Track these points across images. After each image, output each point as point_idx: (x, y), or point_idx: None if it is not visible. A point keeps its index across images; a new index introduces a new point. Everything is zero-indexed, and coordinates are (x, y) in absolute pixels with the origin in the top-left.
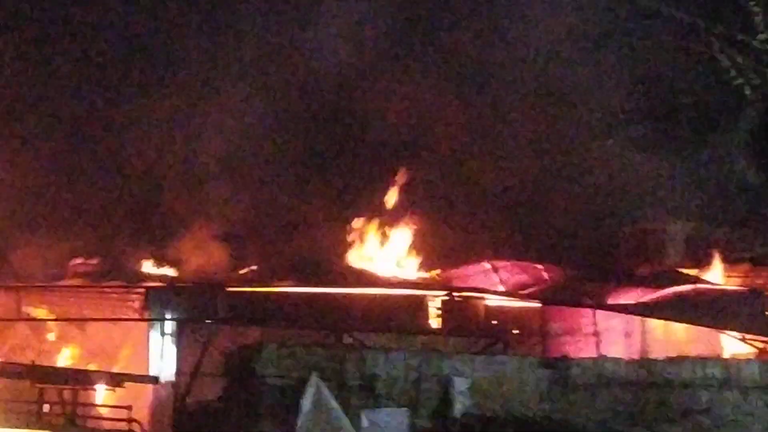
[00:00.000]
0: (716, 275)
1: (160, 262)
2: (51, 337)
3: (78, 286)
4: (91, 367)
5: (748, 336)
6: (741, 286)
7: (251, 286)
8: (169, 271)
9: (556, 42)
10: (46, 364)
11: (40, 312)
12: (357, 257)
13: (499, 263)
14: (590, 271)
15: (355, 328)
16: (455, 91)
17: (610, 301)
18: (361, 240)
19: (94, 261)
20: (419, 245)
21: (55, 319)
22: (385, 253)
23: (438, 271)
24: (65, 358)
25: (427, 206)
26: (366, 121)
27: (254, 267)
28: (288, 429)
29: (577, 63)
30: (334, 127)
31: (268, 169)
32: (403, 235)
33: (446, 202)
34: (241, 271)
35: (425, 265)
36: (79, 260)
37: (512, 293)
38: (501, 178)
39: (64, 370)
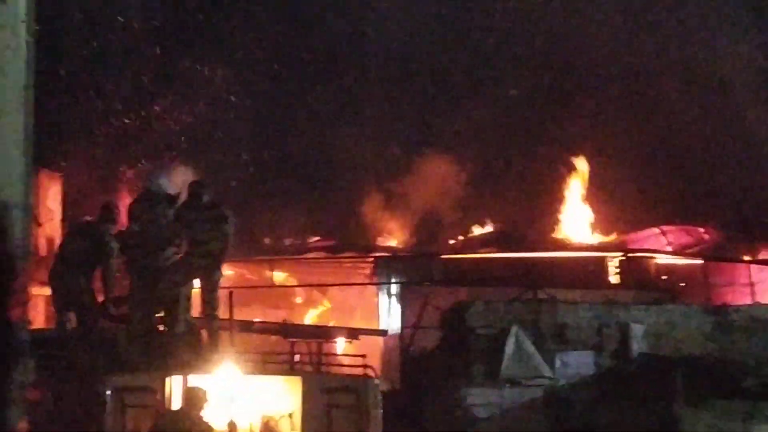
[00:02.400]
0: None
1: (386, 236)
2: (298, 300)
3: (320, 258)
4: (332, 323)
5: None
6: None
7: (461, 254)
8: (394, 244)
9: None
10: (295, 322)
11: (290, 280)
12: (548, 226)
13: (667, 227)
14: (744, 231)
15: (549, 285)
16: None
17: (762, 256)
18: (551, 212)
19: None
20: (600, 215)
21: (302, 285)
22: (572, 223)
23: (615, 236)
24: (311, 317)
25: (604, 183)
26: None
27: (461, 238)
28: (494, 370)
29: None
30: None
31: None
32: (586, 207)
33: (621, 178)
34: (452, 242)
35: (605, 232)
36: (318, 237)
37: (678, 252)
38: (667, 156)
39: (310, 327)
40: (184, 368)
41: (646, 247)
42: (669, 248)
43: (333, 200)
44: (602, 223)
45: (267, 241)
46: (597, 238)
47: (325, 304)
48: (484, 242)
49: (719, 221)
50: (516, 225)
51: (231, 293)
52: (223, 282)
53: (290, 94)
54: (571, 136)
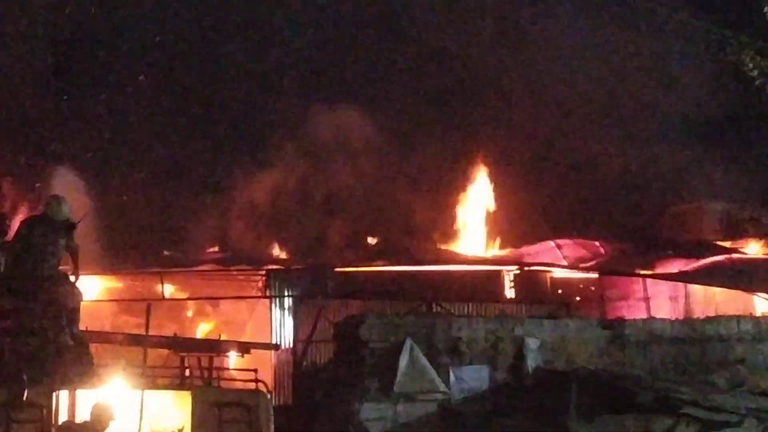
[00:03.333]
0: (747, 247)
1: (278, 248)
2: (189, 313)
3: (212, 271)
4: (223, 337)
5: None
6: None
7: (354, 267)
8: (286, 256)
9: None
10: (186, 336)
11: (181, 293)
12: (442, 239)
13: (562, 241)
14: (640, 244)
15: (442, 299)
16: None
17: (658, 270)
18: (446, 224)
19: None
20: (495, 228)
21: (192, 298)
22: (467, 235)
23: (510, 250)
24: (202, 330)
25: (501, 194)
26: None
27: (355, 249)
28: (387, 385)
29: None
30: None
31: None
32: (481, 219)
33: (517, 190)
34: (345, 254)
35: (500, 245)
36: (211, 249)
37: (573, 266)
38: (562, 167)
39: (201, 341)
40: (72, 383)
41: (541, 260)
42: (564, 262)
43: (229, 210)
44: (497, 236)
45: (160, 252)
46: (492, 252)
47: (216, 318)
48: (378, 254)
49: (615, 235)
50: (410, 236)
51: (149, 306)
52: (111, 294)
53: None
54: (468, 148)
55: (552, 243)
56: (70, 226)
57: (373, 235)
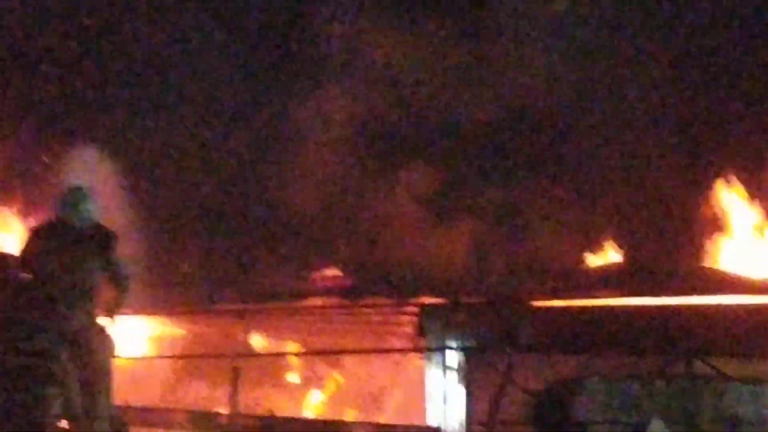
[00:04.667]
0: None
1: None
2: (293, 377)
3: (327, 307)
4: (349, 416)
5: None
6: None
7: (565, 300)
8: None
9: None
10: (288, 414)
11: (277, 343)
12: (713, 253)
13: None
14: None
15: (712, 352)
16: None
17: None
18: (718, 229)
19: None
20: None
21: (299, 353)
22: (755, 247)
23: None
24: (313, 405)
25: None
26: None
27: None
28: None
29: None
30: None
31: None
32: None
33: None
34: (548, 279)
35: None
36: (327, 271)
37: None
38: None
39: (314, 423)
40: None
41: None
42: None
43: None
44: None
45: (241, 278)
46: None
47: (338, 385)
48: (605, 281)
49: None
50: (657, 253)
51: (236, 369)
52: (167, 347)
53: None
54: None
55: None
56: (105, 236)
57: (595, 247)
